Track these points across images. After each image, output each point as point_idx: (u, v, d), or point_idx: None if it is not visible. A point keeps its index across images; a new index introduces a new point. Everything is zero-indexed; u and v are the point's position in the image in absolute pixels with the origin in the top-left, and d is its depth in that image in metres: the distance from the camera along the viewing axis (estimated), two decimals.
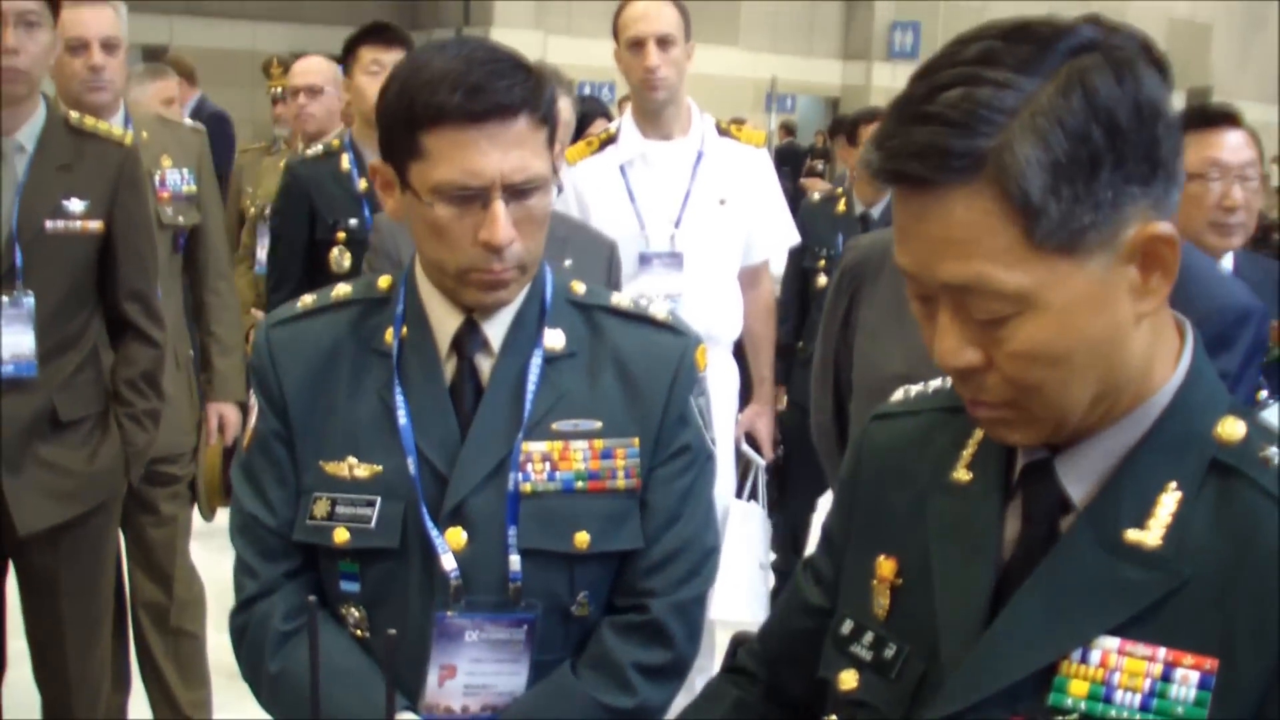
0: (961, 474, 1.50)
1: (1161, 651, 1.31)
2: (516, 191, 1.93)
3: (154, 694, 4.38)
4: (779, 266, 4.96)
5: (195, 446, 4.33)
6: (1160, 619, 1.32)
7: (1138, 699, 1.31)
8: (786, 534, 5.18)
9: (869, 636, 1.53)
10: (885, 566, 1.53)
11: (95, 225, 3.47)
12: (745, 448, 4.65)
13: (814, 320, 5.12)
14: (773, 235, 4.54)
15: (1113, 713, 1.31)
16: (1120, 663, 1.32)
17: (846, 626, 1.57)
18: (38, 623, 3.71)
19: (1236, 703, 1.28)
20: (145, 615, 4.27)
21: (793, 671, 1.70)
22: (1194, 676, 1.29)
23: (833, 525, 1.68)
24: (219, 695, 4.22)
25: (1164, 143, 1.30)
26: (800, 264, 5.34)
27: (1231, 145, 3.26)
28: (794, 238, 4.68)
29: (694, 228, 4.22)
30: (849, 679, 1.53)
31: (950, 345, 1.34)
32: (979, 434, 1.51)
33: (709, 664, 3.78)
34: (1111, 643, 1.33)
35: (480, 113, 1.89)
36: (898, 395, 1.68)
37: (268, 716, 2.10)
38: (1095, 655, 1.33)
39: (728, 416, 4.43)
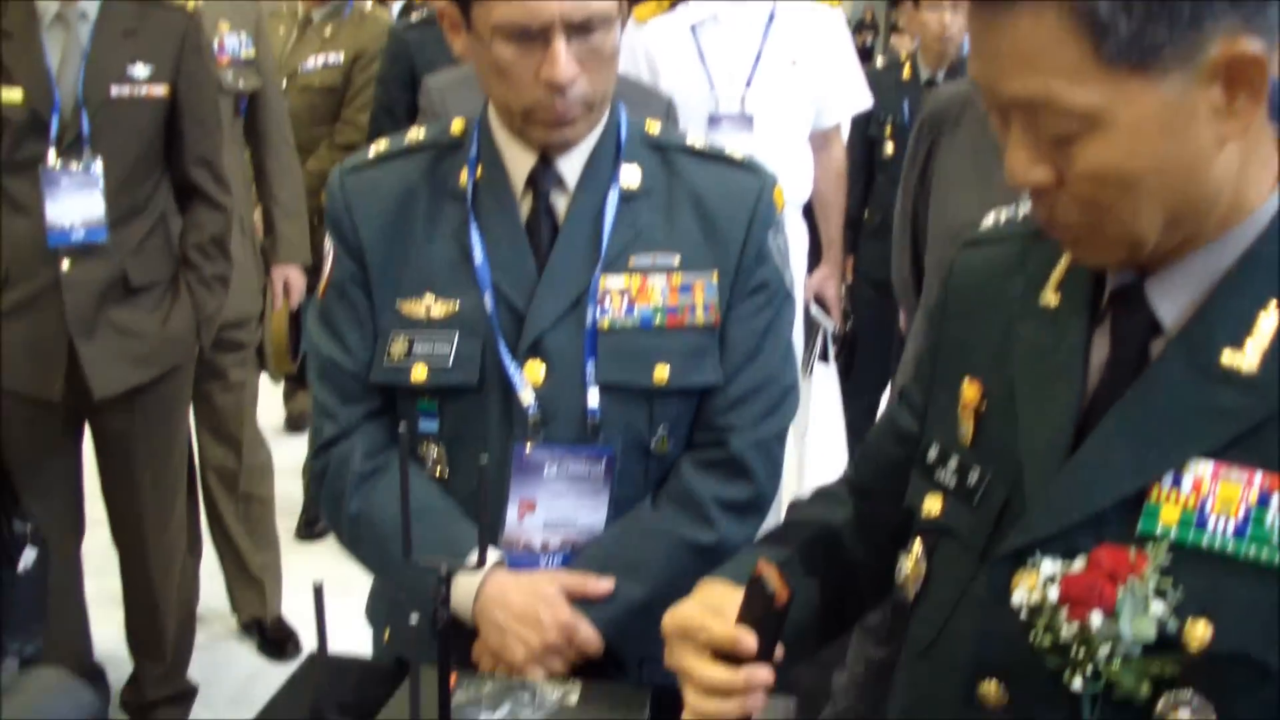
0: (1050, 297, 1.47)
1: (1259, 476, 1.27)
2: (578, 28, 1.90)
3: (225, 557, 4.46)
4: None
5: (261, 311, 4.35)
6: (1257, 444, 1.28)
7: (1232, 525, 1.27)
8: (856, 410, 5.15)
9: (954, 462, 1.51)
10: (970, 391, 1.51)
11: (160, 91, 3.46)
12: (815, 310, 4.63)
13: (880, 189, 5.09)
14: (845, 98, 4.48)
15: (1205, 539, 1.28)
16: (1214, 488, 1.28)
17: (933, 453, 1.55)
18: (115, 487, 3.77)
19: None
20: (215, 480, 4.32)
21: (882, 502, 1.68)
22: None
23: (922, 352, 1.66)
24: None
25: None
26: (865, 132, 5.27)
27: None
28: (867, 101, 4.60)
29: (765, 89, 4.16)
30: (933, 505, 1.52)
31: (1020, 162, 1.30)
32: (1069, 257, 1.47)
33: None
34: (1205, 468, 1.29)
35: None
36: (988, 221, 1.65)
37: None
38: (1188, 481, 1.29)
39: (797, 280, 4.39)
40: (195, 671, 4.13)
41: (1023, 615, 1.33)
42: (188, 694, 4.09)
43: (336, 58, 5.16)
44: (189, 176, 3.58)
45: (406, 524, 1.51)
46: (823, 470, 4.02)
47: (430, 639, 1.55)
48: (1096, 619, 1.28)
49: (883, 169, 5.15)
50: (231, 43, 4.21)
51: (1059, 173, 1.29)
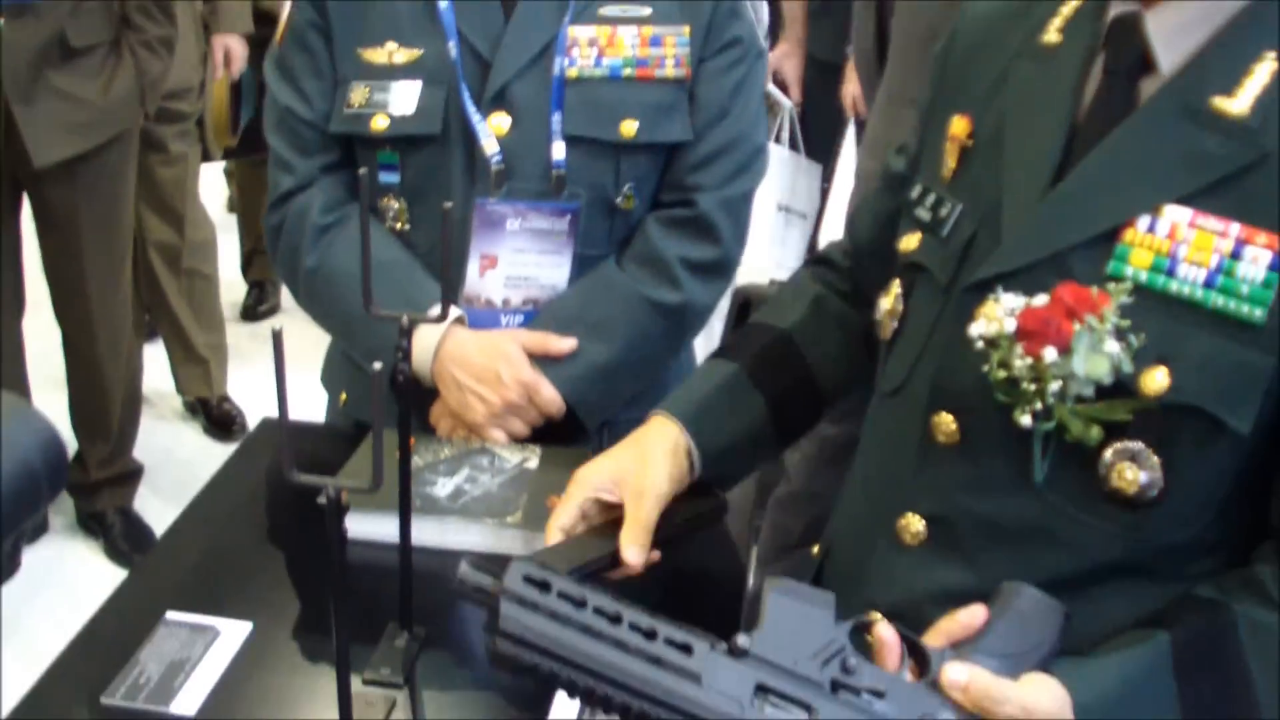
0: (1051, 36, 1.42)
1: (1235, 227, 1.24)
2: None
3: (170, 337, 4.40)
4: None
5: (201, 82, 4.22)
6: (1237, 193, 1.25)
7: (1202, 274, 1.25)
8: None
9: (931, 197, 1.48)
10: (958, 125, 1.47)
11: None
12: (772, 89, 4.53)
13: None
14: None
15: (1174, 286, 1.26)
16: (1189, 235, 1.26)
17: (915, 190, 1.52)
18: (58, 262, 3.69)
19: None
20: (158, 257, 4.24)
21: (876, 258, 1.64)
22: (1265, 256, 1.23)
23: (922, 96, 1.61)
24: None
25: None
26: None
27: None
28: None
29: None
30: (910, 241, 1.49)
31: None
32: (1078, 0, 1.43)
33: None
34: (1183, 214, 1.26)
35: None
36: None
37: None
38: (1164, 225, 1.27)
39: None
40: (140, 453, 4.11)
41: (979, 346, 1.31)
42: (133, 474, 4.07)
43: None
44: None
45: (367, 273, 1.44)
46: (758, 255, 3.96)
47: (390, 395, 1.50)
48: (1050, 354, 1.26)
49: None
50: None
51: None
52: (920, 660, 1.22)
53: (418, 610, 1.58)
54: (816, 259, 1.80)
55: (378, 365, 1.20)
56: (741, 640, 1.13)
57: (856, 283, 1.72)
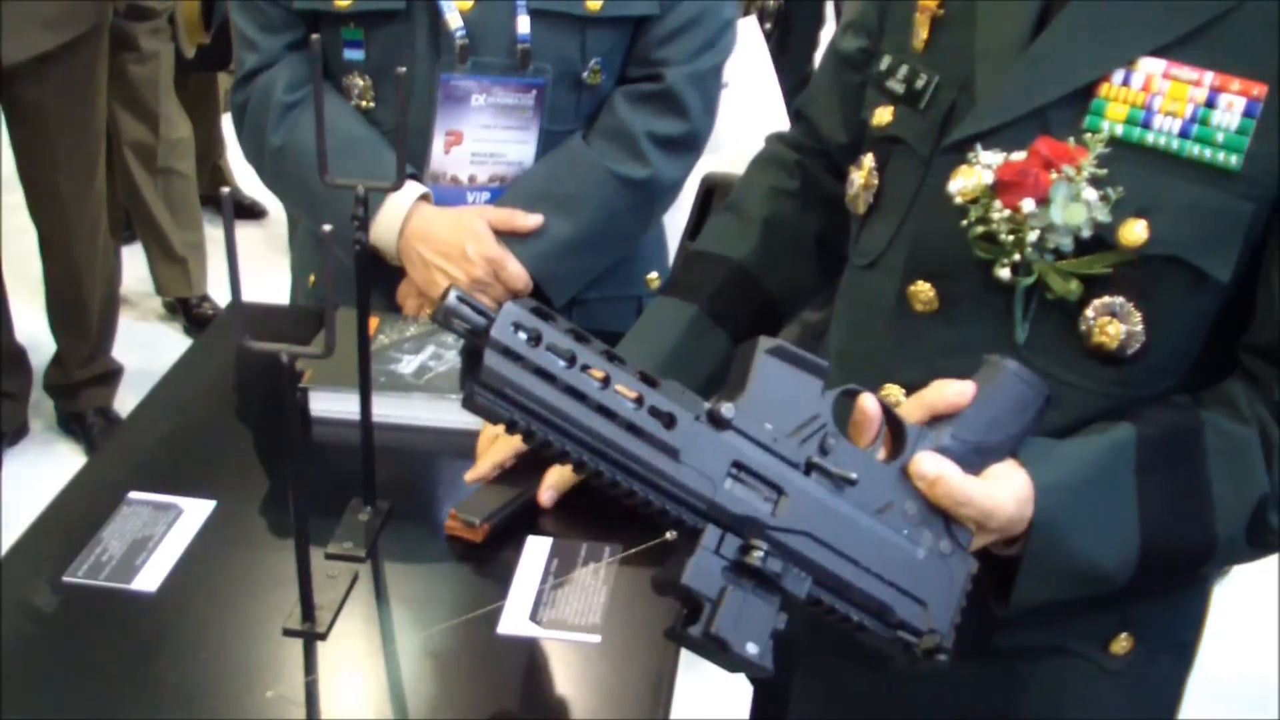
0: None
1: (1209, 76, 1.24)
2: None
3: (147, 237, 4.37)
4: None
5: None
6: (1211, 41, 1.24)
7: (1177, 124, 1.24)
8: (794, 84, 5.02)
9: (904, 69, 1.45)
10: None
11: None
12: None
13: None
14: None
15: (1150, 137, 1.25)
16: (1163, 86, 1.25)
17: (884, 62, 1.49)
18: (31, 162, 3.65)
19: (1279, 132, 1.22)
20: (132, 156, 4.20)
21: (840, 138, 1.61)
22: (1240, 103, 1.22)
23: None
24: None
25: None
26: None
27: None
28: None
29: None
30: (883, 115, 1.46)
31: None
32: None
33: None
34: (1157, 65, 1.25)
35: None
36: None
37: None
38: (1138, 78, 1.26)
39: None
40: (120, 352, 4.09)
41: (957, 201, 1.30)
42: (113, 374, 4.06)
43: None
44: None
45: (321, 142, 1.42)
46: (747, 124, 3.89)
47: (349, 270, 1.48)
48: (1028, 205, 1.26)
49: None
50: None
51: None
52: (898, 437, 1.22)
53: (382, 485, 1.57)
54: (763, 157, 1.74)
55: (327, 226, 1.19)
56: (725, 410, 1.11)
57: (810, 173, 1.68)
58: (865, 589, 1.16)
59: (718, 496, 1.11)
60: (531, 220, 1.94)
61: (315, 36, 1.38)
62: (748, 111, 3.96)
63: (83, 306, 3.86)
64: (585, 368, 1.08)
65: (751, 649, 1.10)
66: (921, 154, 1.40)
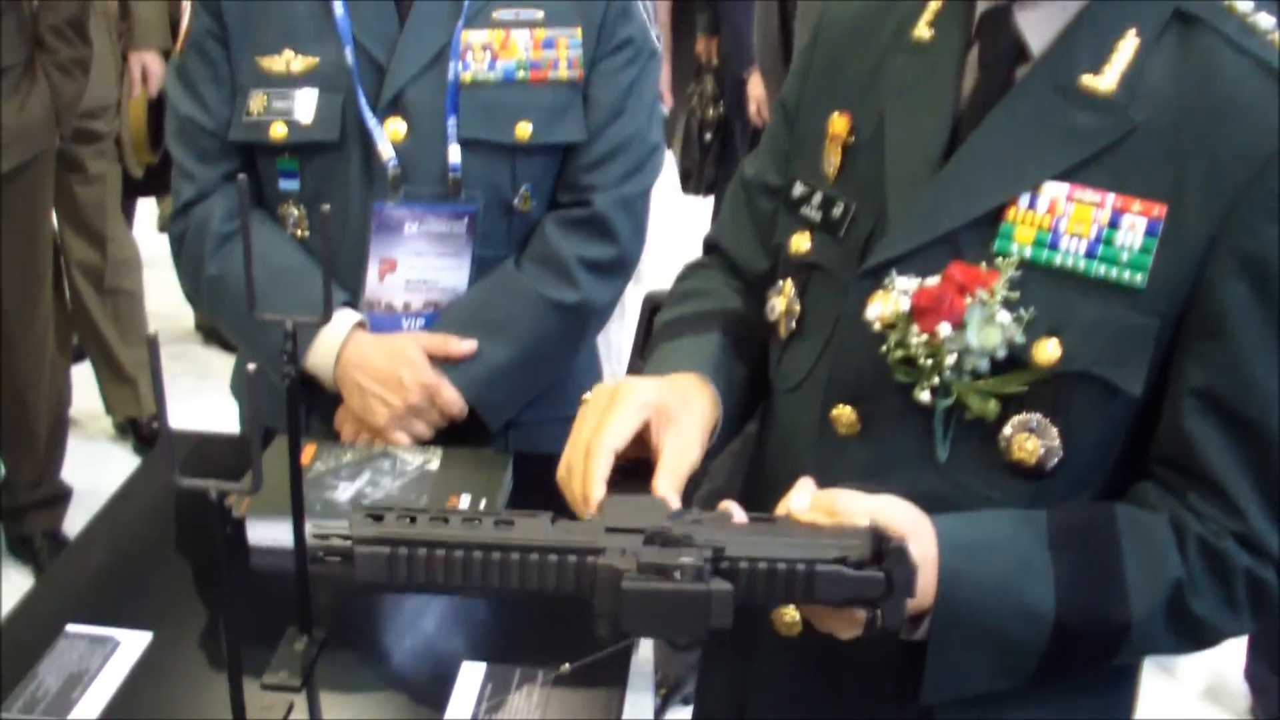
0: (922, 31, 1.45)
1: (1110, 197, 1.29)
2: None
3: (96, 357, 4.36)
4: None
5: (119, 100, 4.19)
6: (1111, 164, 1.30)
7: (1083, 245, 1.29)
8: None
9: (818, 197, 1.50)
10: (838, 123, 1.49)
11: None
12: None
13: None
14: None
15: (1058, 258, 1.30)
16: (1068, 209, 1.30)
17: (798, 189, 1.53)
18: None
19: (1181, 250, 1.27)
20: (81, 277, 4.21)
21: (753, 254, 1.64)
22: (1141, 223, 1.28)
23: (788, 95, 1.63)
24: None
25: None
26: None
27: None
28: None
29: None
30: (800, 242, 1.50)
31: None
32: None
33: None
34: (1060, 188, 1.31)
35: None
36: None
37: None
38: (1043, 201, 1.31)
39: None
40: (69, 473, 4.07)
41: (875, 328, 1.34)
42: (61, 496, 4.03)
43: None
44: None
45: (249, 277, 1.45)
46: (661, 259, 3.97)
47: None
48: (945, 329, 1.30)
49: None
50: None
51: None
52: None
53: (318, 613, 1.58)
54: (687, 272, 1.74)
55: (251, 366, 1.21)
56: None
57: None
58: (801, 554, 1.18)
59: (600, 539, 1.17)
60: (465, 346, 1.97)
61: (242, 177, 1.42)
62: (669, 240, 4.02)
63: (31, 429, 3.84)
64: (433, 516, 1.19)
65: None
66: (842, 280, 1.44)
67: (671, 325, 1.62)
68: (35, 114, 3.46)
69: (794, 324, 1.51)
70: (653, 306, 1.96)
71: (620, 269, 2.08)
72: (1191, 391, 1.29)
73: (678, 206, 4.45)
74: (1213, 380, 1.28)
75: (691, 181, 4.88)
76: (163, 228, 5.99)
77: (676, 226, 4.27)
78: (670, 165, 4.41)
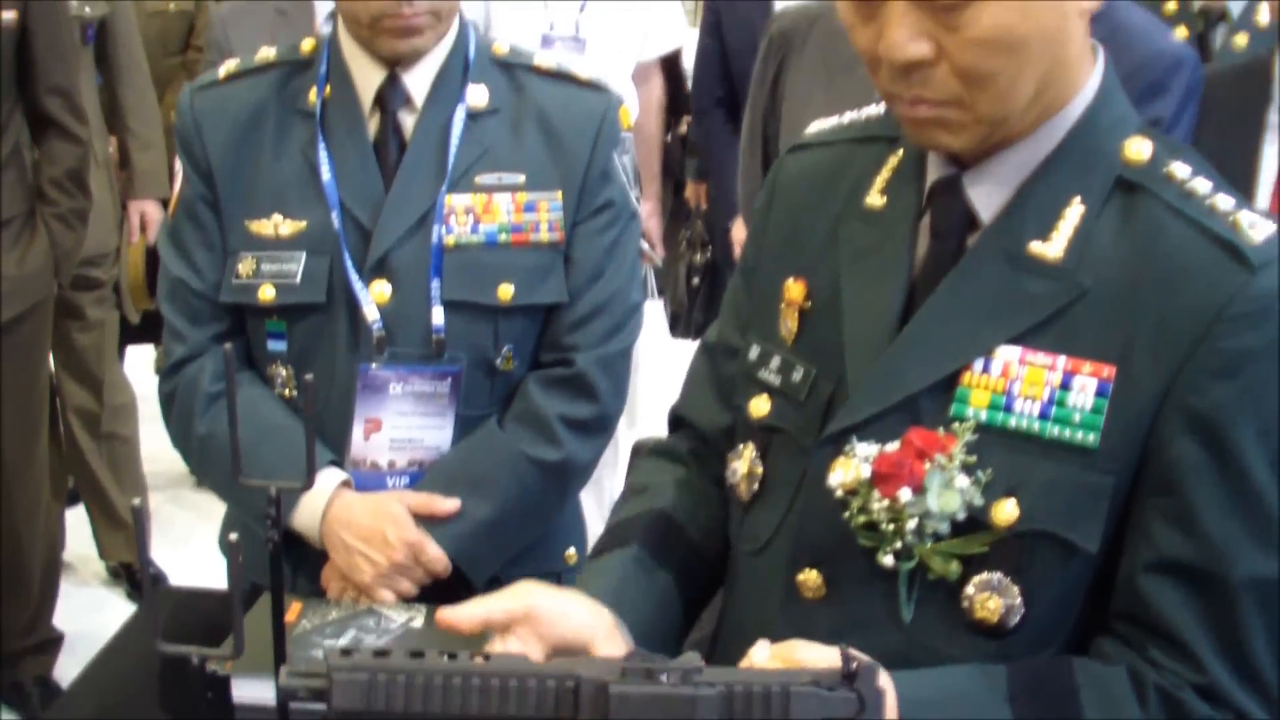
0: (875, 199, 1.50)
1: (1061, 360, 1.33)
2: None
3: (90, 502, 4.37)
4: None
5: (118, 247, 4.26)
6: (1061, 329, 1.34)
7: (1037, 407, 1.33)
8: None
9: (776, 361, 1.53)
10: (794, 289, 1.53)
11: (9, 16, 3.35)
12: (644, 245, 4.60)
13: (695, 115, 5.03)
14: (667, 32, 4.46)
15: (1012, 421, 1.34)
16: (1021, 372, 1.34)
17: (754, 352, 1.57)
18: None
19: (1132, 410, 1.31)
20: (77, 422, 4.24)
21: (718, 416, 1.67)
22: (1092, 384, 1.32)
23: (746, 257, 1.67)
24: None
25: None
26: None
27: None
28: (684, 38, 4.60)
29: (598, 14, 4.11)
30: (760, 405, 1.53)
31: (902, 35, 1.29)
32: (894, 160, 1.50)
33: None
34: (1012, 353, 1.35)
35: None
36: (811, 128, 1.66)
37: None
38: (996, 366, 1.35)
39: None
40: (62, 620, 4.05)
41: (838, 495, 1.38)
42: (53, 642, 4.00)
43: None
44: (43, 107, 3.48)
45: (234, 443, 1.49)
46: (653, 405, 4.02)
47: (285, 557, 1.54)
48: (905, 495, 1.33)
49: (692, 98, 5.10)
50: None
51: (939, 46, 1.29)
52: None
53: None
54: (655, 449, 1.77)
55: (234, 535, 1.25)
56: None
57: (702, 461, 1.70)
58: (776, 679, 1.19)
59: (578, 667, 1.17)
60: (449, 504, 2.00)
61: (228, 346, 1.46)
62: (660, 386, 4.07)
63: (23, 575, 3.83)
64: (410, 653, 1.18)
65: None
66: (803, 443, 1.47)
67: (605, 534, 1.67)
68: (35, 264, 3.51)
69: (756, 486, 1.53)
70: (636, 452, 2.00)
71: (601, 427, 2.11)
72: (1147, 547, 1.32)
73: (668, 351, 4.48)
74: (1168, 536, 1.31)
75: (680, 325, 4.93)
76: (159, 370, 6.06)
77: (667, 370, 4.29)
78: (660, 310, 4.48)
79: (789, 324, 1.52)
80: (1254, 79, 2.79)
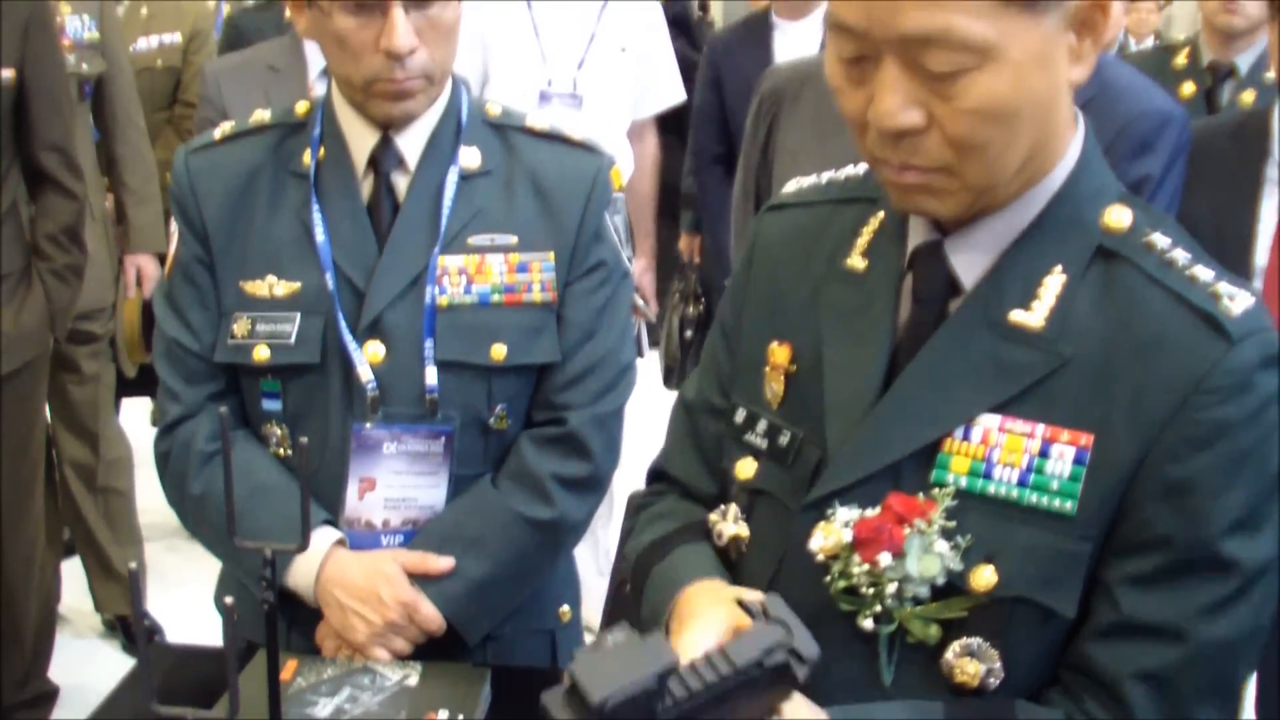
0: (856, 261, 1.51)
1: (1040, 428, 1.35)
2: None
3: (86, 554, 4.37)
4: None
5: (114, 301, 4.27)
6: (1040, 397, 1.36)
7: (1016, 474, 1.35)
8: None
9: (763, 424, 1.55)
10: (779, 353, 1.55)
11: (8, 75, 3.37)
12: (638, 301, 4.63)
13: (691, 170, 5.08)
14: (662, 90, 4.50)
15: (991, 488, 1.36)
16: (1000, 439, 1.36)
17: (740, 415, 1.58)
18: None
19: (1109, 477, 1.32)
20: (73, 475, 4.25)
21: (701, 479, 1.69)
22: (1070, 452, 1.33)
23: (725, 317, 1.68)
24: None
25: None
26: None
27: None
28: (680, 95, 4.64)
29: (596, 71, 4.16)
30: (746, 468, 1.55)
31: (893, 104, 1.31)
32: (874, 222, 1.52)
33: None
34: (992, 420, 1.36)
35: None
36: (790, 187, 1.68)
37: None
38: (976, 433, 1.37)
39: None
40: (57, 672, 4.05)
41: (819, 559, 1.40)
42: (48, 695, 4.00)
43: (173, 38, 5.03)
44: (40, 163, 3.50)
45: (230, 506, 1.51)
46: (647, 458, 4.02)
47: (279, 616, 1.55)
48: (885, 559, 1.35)
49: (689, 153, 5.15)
50: (73, 25, 4.11)
51: (930, 114, 1.31)
52: None
53: None
54: (643, 503, 1.79)
55: (229, 599, 1.26)
56: None
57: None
58: None
59: None
60: (443, 563, 2.01)
61: (224, 409, 1.47)
62: (654, 439, 4.06)
63: (19, 627, 3.83)
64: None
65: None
66: (789, 506, 1.49)
67: (658, 544, 1.65)
68: (30, 320, 3.51)
69: (743, 548, 1.55)
70: (637, 505, 2.01)
71: (595, 486, 2.12)
72: (1109, 605, 1.34)
73: (661, 403, 4.49)
74: (1130, 595, 1.33)
75: (674, 378, 4.95)
76: (155, 422, 6.06)
77: (660, 423, 4.30)
78: (654, 362, 4.50)
79: (774, 387, 1.54)
80: (1252, 133, 2.82)
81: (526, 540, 2.04)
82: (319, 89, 2.23)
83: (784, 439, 1.51)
